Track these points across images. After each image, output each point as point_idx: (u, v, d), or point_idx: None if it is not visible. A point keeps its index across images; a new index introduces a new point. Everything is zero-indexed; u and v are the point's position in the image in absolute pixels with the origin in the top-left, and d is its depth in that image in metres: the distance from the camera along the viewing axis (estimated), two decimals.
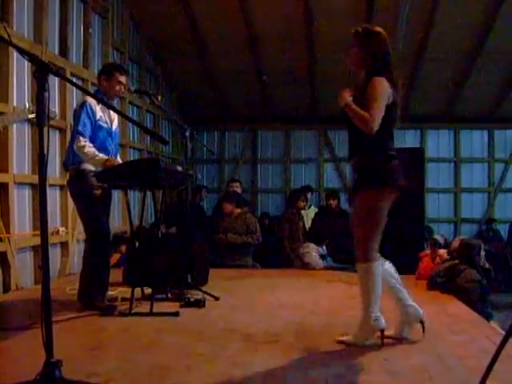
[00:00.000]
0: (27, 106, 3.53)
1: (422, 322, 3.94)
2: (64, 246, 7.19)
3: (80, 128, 4.77)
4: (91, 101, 4.83)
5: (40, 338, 2.58)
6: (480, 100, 12.29)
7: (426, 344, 3.85)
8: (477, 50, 10.61)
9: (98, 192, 4.86)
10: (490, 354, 2.37)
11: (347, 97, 3.68)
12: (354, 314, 4.84)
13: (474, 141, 13.51)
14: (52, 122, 6.60)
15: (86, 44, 7.97)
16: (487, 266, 6.29)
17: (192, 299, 5.19)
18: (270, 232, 10.25)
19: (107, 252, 5.14)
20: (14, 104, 6.03)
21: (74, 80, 7.18)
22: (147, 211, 8.91)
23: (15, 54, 5.93)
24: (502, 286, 10.71)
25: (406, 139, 12.99)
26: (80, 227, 5.80)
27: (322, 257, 8.36)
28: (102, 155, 4.77)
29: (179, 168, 5.30)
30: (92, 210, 4.88)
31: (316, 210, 10.16)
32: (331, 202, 9.30)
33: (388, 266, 3.92)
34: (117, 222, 8.71)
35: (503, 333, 3.31)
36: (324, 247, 8.47)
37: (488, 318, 5.55)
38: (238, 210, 8.38)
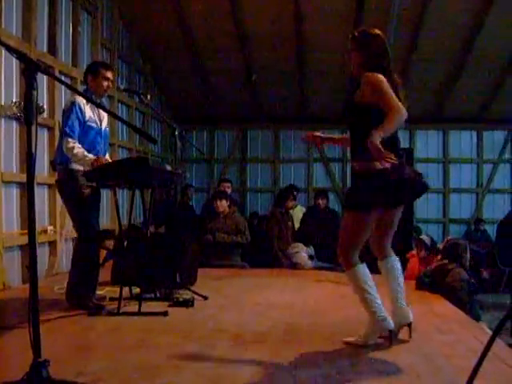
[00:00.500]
0: (14, 101, 3.51)
1: (409, 325, 3.92)
2: (52, 245, 7.16)
3: (67, 129, 4.73)
4: (80, 100, 4.80)
5: (27, 337, 2.57)
6: (469, 101, 12.35)
7: (414, 344, 3.86)
8: (466, 51, 10.67)
9: (87, 191, 4.84)
10: (477, 354, 2.38)
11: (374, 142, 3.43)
12: (342, 313, 4.88)
13: (463, 142, 13.58)
14: (40, 120, 6.58)
15: (74, 42, 7.93)
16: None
17: (181, 299, 5.19)
18: (259, 232, 10.24)
19: (97, 252, 5.11)
20: (2, 102, 6.00)
21: (63, 78, 7.14)
22: (136, 210, 8.88)
23: (3, 52, 5.89)
24: (490, 286, 10.76)
25: None
26: (68, 226, 5.78)
27: (311, 257, 8.38)
28: (90, 156, 4.73)
29: (168, 167, 5.30)
30: (81, 210, 4.86)
31: (303, 209, 10.17)
32: (320, 201, 9.31)
33: (395, 263, 4.03)
34: (105, 221, 8.68)
35: (491, 333, 3.33)
36: (312, 247, 8.48)
37: (476, 318, 5.58)
38: (227, 209, 8.37)
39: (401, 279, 4.00)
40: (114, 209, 6.74)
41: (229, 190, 9.87)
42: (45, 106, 6.82)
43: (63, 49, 7.60)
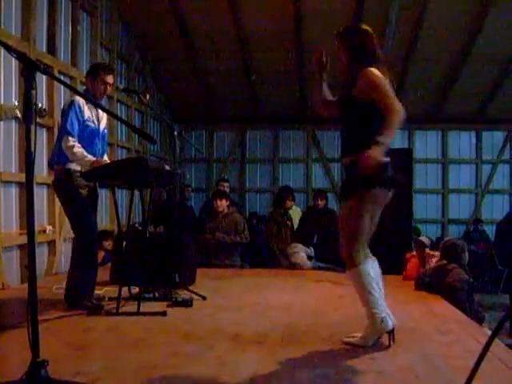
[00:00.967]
0: (15, 103, 3.50)
1: (391, 332, 3.80)
2: (51, 244, 7.16)
3: (68, 127, 4.72)
4: (79, 100, 4.80)
5: (26, 337, 2.57)
6: (468, 101, 12.37)
7: (413, 344, 3.87)
8: (465, 52, 10.68)
9: (84, 192, 4.83)
10: (476, 354, 2.37)
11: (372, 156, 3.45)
12: (341, 313, 4.88)
13: (462, 142, 13.61)
14: (39, 120, 6.57)
15: (74, 42, 7.93)
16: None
17: (179, 299, 5.18)
18: (258, 232, 10.25)
19: (95, 251, 5.11)
20: (2, 102, 5.99)
21: (62, 78, 7.14)
22: (135, 210, 8.88)
23: (2, 52, 5.89)
24: (489, 286, 10.79)
25: (394, 140, 13.03)
26: (67, 226, 5.77)
27: (310, 257, 8.37)
28: (90, 156, 4.73)
29: (167, 167, 5.28)
30: (79, 210, 4.85)
31: (297, 209, 10.16)
32: (319, 201, 9.31)
33: (376, 267, 3.82)
34: (104, 221, 8.68)
35: (490, 333, 3.33)
36: (311, 248, 8.48)
37: (479, 320, 5.58)
38: (226, 209, 8.36)
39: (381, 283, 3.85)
40: (113, 209, 6.74)
41: (227, 190, 9.87)
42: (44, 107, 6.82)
43: (62, 48, 7.60)
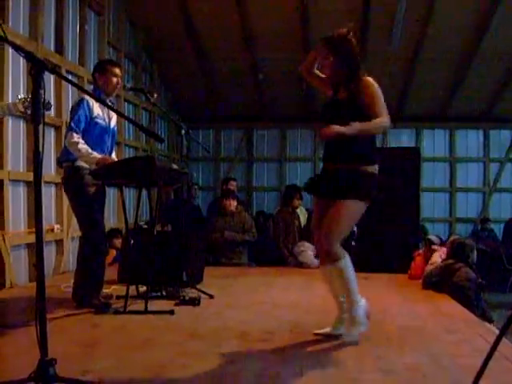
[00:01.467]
0: (21, 96, 3.50)
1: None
2: (59, 243, 7.18)
3: (73, 124, 4.73)
4: (89, 97, 4.81)
5: (34, 335, 2.58)
6: (475, 100, 12.32)
7: (420, 343, 3.87)
8: (473, 50, 10.63)
9: (93, 189, 4.85)
10: (483, 353, 2.37)
11: (336, 127, 3.62)
12: None
13: (470, 140, 13.55)
14: (47, 119, 6.60)
15: (81, 41, 7.95)
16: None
17: (187, 297, 5.20)
18: (265, 230, 10.24)
19: (102, 249, 5.12)
20: (10, 101, 6.00)
21: (70, 77, 7.16)
22: (142, 209, 8.90)
23: (10, 51, 5.91)
24: (496, 285, 10.74)
25: (402, 139, 13.03)
26: (75, 225, 5.79)
27: (317, 256, 8.35)
28: (95, 154, 4.74)
29: (174, 166, 5.29)
30: (87, 207, 4.86)
31: (302, 209, 10.14)
32: None
33: (348, 260, 3.96)
34: (112, 220, 8.70)
35: (497, 332, 3.32)
36: None
37: (487, 319, 5.58)
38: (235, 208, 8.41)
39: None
40: (121, 208, 6.75)
41: (234, 189, 9.88)
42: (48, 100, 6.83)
43: (70, 48, 7.62)
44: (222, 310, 5.02)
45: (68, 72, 7.37)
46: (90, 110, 4.83)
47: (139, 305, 4.86)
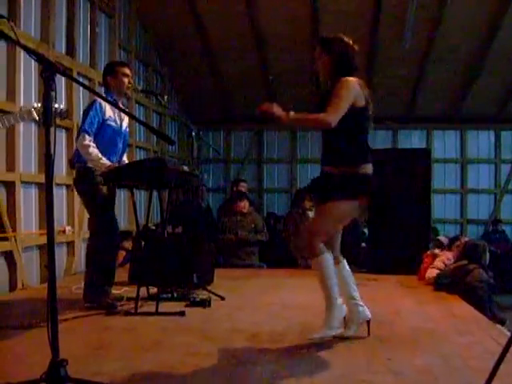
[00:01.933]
0: (35, 106, 3.52)
1: (368, 322, 4.00)
2: (70, 245, 7.21)
3: (86, 126, 4.76)
4: (101, 99, 4.83)
5: (46, 336, 2.59)
6: (486, 101, 12.27)
7: (431, 344, 3.85)
8: (484, 51, 10.60)
9: (104, 189, 4.87)
10: (495, 356, 2.36)
11: (277, 109, 3.80)
12: None
13: (481, 142, 13.48)
14: (58, 122, 6.63)
15: (92, 43, 8.00)
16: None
17: (198, 299, 5.20)
18: (276, 232, 10.24)
19: (114, 249, 5.13)
20: (21, 104, 6.04)
21: (81, 80, 7.20)
22: (153, 211, 8.92)
23: (22, 54, 5.94)
24: (508, 287, 10.67)
25: (413, 140, 13.00)
26: (86, 227, 5.82)
27: None
28: (105, 160, 4.76)
29: (185, 168, 5.31)
30: (99, 207, 4.90)
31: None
32: None
33: (345, 263, 4.01)
34: (122, 222, 8.72)
35: (509, 334, 3.30)
36: None
37: (499, 321, 5.55)
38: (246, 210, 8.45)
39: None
40: (131, 210, 6.77)
41: (245, 190, 9.90)
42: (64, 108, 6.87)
43: (81, 50, 7.66)
44: (233, 311, 5.02)
45: (79, 74, 7.40)
46: (103, 112, 4.86)
47: (150, 306, 4.88)
